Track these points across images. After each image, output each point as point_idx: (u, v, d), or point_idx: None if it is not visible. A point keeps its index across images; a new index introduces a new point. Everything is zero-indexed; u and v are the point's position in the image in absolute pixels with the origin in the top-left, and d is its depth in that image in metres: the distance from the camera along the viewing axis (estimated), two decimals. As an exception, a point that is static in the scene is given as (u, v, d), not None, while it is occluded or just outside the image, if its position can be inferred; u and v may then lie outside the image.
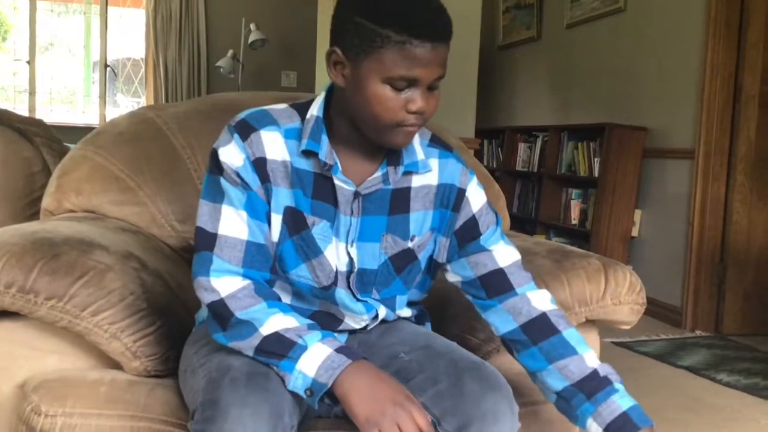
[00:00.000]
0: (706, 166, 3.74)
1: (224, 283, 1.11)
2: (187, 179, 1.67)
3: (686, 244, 3.85)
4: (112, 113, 6.47)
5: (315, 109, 1.18)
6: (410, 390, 1.14)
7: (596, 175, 4.33)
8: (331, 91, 1.18)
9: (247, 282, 1.12)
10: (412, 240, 1.24)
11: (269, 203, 1.16)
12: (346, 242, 1.20)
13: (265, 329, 1.07)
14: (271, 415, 1.01)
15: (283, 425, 1.03)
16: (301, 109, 1.19)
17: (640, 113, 4.25)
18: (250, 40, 5.93)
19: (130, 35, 6.72)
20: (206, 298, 1.12)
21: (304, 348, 1.05)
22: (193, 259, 1.15)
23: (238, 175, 1.13)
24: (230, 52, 6.05)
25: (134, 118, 1.77)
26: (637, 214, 4.25)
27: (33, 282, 1.20)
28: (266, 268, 1.16)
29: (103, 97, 6.44)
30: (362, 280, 1.23)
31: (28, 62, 6.20)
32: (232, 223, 1.13)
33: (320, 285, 1.21)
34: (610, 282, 1.49)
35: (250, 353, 1.08)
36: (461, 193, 1.26)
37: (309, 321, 1.12)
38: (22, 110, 6.04)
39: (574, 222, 4.64)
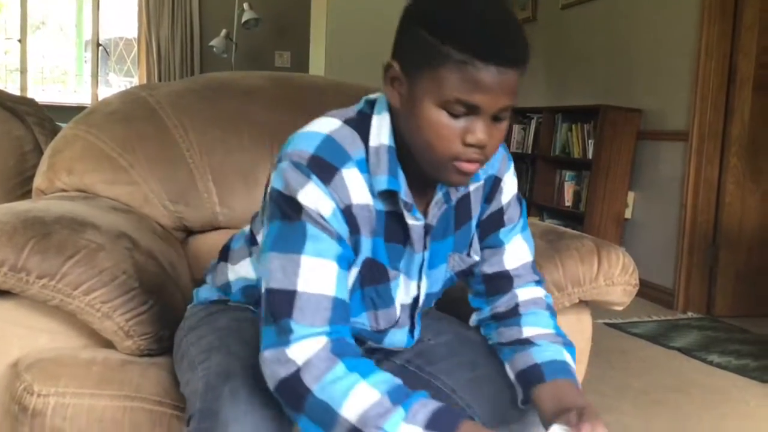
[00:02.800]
0: (700, 149, 3.75)
1: (303, 348, 0.93)
2: (180, 158, 1.66)
3: (679, 226, 3.86)
4: (104, 93, 6.44)
5: (384, 137, 1.01)
6: (436, 373, 1.14)
7: (590, 157, 4.33)
8: (390, 112, 1.03)
9: (325, 341, 0.94)
10: (470, 246, 1.16)
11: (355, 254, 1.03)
12: (418, 278, 1.11)
13: (346, 412, 0.91)
14: None
15: None
16: (360, 129, 1.02)
17: (635, 95, 4.25)
18: (243, 20, 5.89)
19: (123, 14, 6.67)
20: (279, 373, 0.93)
21: None
22: (262, 331, 0.96)
23: (327, 222, 0.97)
24: (223, 32, 6.01)
25: (126, 98, 1.76)
26: (631, 196, 4.26)
27: (24, 260, 1.19)
28: (348, 322, 1.01)
29: (95, 77, 6.40)
30: (424, 304, 1.17)
31: (20, 41, 6.15)
32: (316, 277, 0.95)
33: (376, 329, 1.12)
34: (603, 263, 1.49)
35: None
36: (497, 181, 1.16)
37: (395, 382, 0.94)
38: (14, 89, 6.00)
39: (567, 204, 4.64)
